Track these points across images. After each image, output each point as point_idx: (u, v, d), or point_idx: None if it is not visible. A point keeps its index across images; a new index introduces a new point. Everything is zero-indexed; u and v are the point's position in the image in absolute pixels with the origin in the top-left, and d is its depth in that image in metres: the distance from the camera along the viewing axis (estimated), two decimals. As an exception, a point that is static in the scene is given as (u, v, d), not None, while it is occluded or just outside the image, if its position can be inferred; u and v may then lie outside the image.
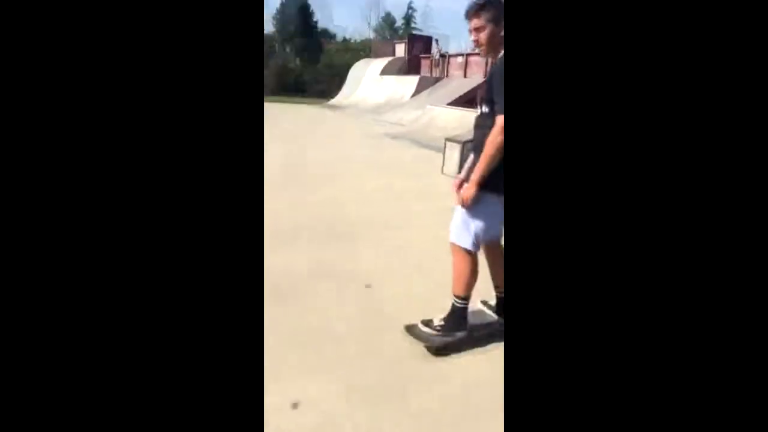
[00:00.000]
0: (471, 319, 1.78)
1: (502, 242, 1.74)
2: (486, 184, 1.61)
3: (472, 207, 1.65)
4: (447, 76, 18.25)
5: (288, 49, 39.13)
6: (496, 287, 1.92)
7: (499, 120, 1.52)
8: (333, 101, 23.17)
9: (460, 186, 1.76)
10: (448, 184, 2.19)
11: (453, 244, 1.76)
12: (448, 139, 6.12)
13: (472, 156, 1.76)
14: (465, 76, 16.85)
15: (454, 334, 1.73)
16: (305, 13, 39.35)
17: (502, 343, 1.65)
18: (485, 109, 1.67)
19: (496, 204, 1.61)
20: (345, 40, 43.72)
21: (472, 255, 1.72)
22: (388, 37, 39.84)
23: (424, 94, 16.23)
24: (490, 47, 1.67)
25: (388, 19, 47.25)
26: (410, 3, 52.06)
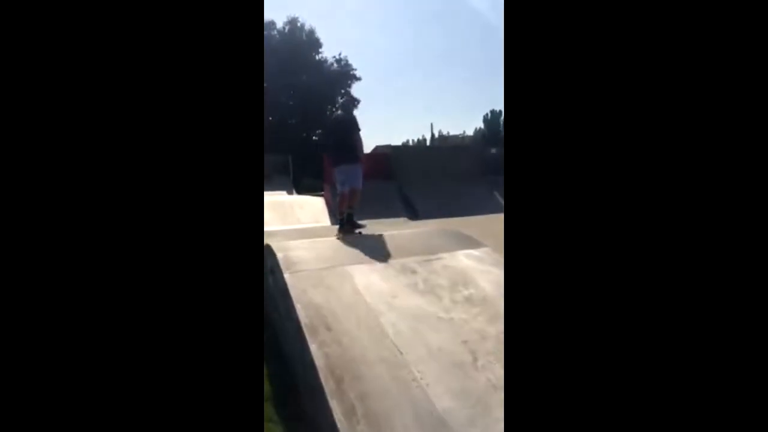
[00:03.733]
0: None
1: (347, 190, 3.84)
2: (335, 164, 3.88)
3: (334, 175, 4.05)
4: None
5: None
6: (340, 212, 4.02)
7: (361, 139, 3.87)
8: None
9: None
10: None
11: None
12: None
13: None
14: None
15: (342, 228, 3.94)
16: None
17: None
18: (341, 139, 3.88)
19: (337, 172, 3.87)
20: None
21: (339, 194, 3.98)
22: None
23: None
24: None
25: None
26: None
